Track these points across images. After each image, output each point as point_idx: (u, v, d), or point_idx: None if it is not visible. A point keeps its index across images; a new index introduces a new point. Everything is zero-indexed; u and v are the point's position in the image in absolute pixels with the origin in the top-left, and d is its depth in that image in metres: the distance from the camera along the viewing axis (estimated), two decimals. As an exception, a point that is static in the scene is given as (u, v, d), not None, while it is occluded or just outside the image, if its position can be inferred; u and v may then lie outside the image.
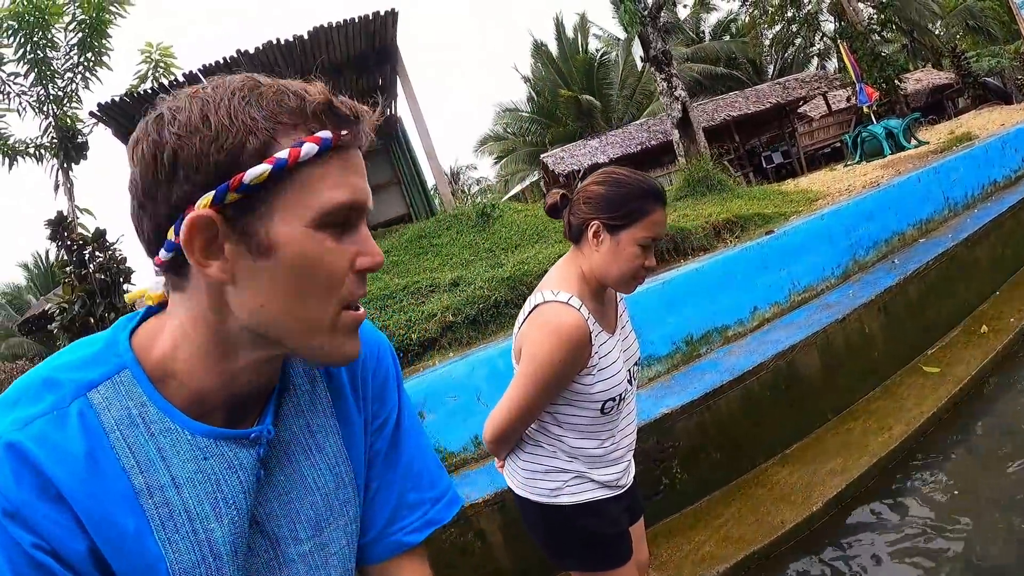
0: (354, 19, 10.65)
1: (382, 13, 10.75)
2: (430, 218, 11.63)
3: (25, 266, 31.68)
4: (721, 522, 3.36)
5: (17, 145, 11.23)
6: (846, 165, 12.25)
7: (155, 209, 0.74)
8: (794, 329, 4.56)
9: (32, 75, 10.74)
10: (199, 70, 10.64)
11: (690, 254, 7.13)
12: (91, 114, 10.84)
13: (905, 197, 6.18)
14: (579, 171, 20.73)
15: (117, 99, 10.44)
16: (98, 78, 11.61)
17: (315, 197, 0.74)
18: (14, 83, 10.84)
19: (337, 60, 11.57)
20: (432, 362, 5.80)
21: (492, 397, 4.23)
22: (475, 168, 39.95)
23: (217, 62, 10.57)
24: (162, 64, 12.04)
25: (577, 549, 1.93)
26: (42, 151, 11.34)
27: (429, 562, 1.06)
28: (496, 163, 33.27)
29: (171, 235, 0.73)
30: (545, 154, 23.01)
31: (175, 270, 0.76)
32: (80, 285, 8.91)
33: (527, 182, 30.01)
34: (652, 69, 11.23)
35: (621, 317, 1.97)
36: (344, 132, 0.76)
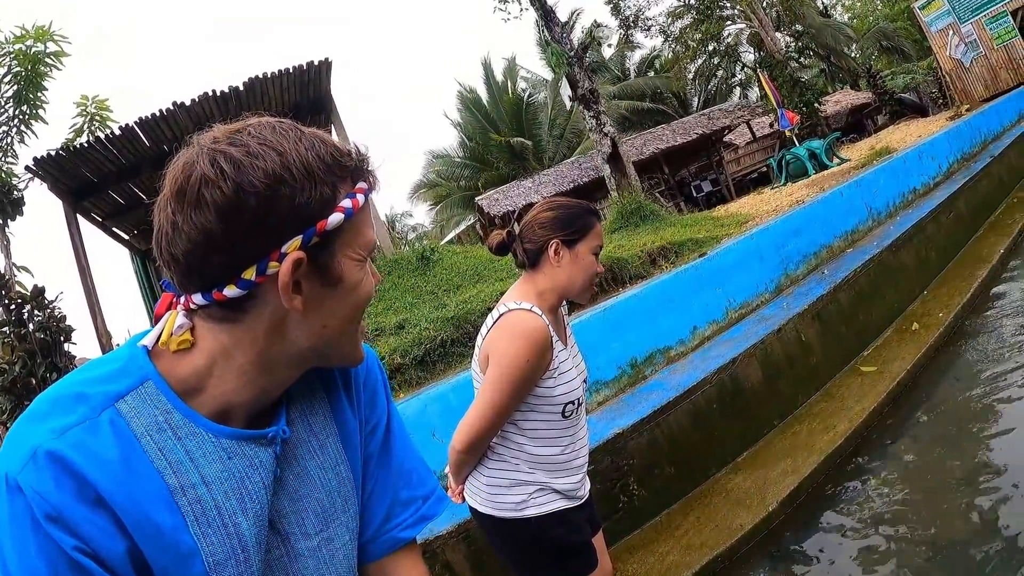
0: (288, 69, 10.68)
1: (316, 63, 10.82)
2: (372, 264, 11.60)
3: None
4: (682, 532, 3.43)
5: None
6: (773, 187, 12.76)
7: (234, 250, 0.78)
8: (733, 344, 4.72)
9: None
10: (135, 123, 10.48)
11: (628, 282, 7.30)
12: (27, 168, 10.52)
13: (830, 211, 6.50)
14: (514, 211, 20.99)
15: (53, 153, 10.17)
16: (34, 132, 11.31)
17: (363, 236, 0.87)
18: (-56, 136, 10.50)
19: (272, 110, 11.49)
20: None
21: (446, 432, 4.24)
22: (411, 215, 40.18)
23: (153, 114, 10.43)
24: (98, 117, 11.80)
25: (547, 562, 1.98)
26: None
27: (421, 556, 1.14)
28: (431, 209, 33.43)
29: (249, 274, 0.79)
30: (480, 197, 23.23)
31: (232, 306, 0.81)
32: (20, 345, 8.57)
33: (463, 226, 30.19)
34: (581, 107, 11.55)
35: (570, 337, 2.12)
36: (372, 180, 0.89)
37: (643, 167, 21.41)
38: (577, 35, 23.36)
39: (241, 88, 10.41)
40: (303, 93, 11.40)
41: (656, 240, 8.38)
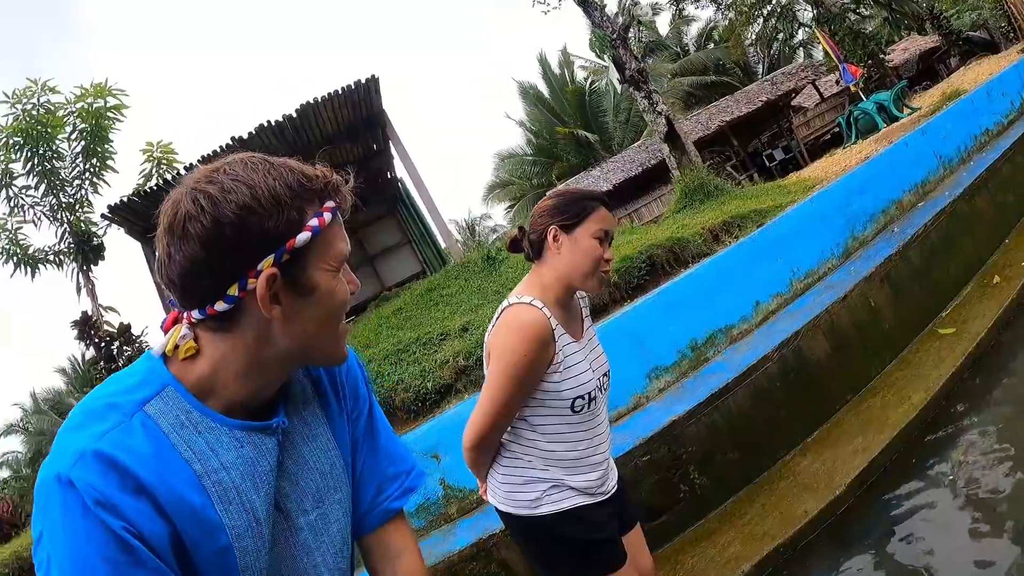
0: (338, 91, 10.84)
1: (364, 81, 10.92)
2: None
3: (63, 371, 32.28)
4: (746, 521, 3.24)
5: (37, 254, 11.53)
6: (844, 147, 12.12)
7: (217, 272, 0.93)
8: (801, 316, 4.44)
9: (43, 186, 11.08)
10: (198, 161, 10.89)
11: (690, 262, 7.05)
12: (103, 216, 11.15)
13: (896, 164, 6.06)
14: None
15: (126, 199, 10.72)
16: (105, 181, 11.94)
17: (334, 249, 1.00)
18: (26, 195, 11.18)
19: (329, 132, 11.79)
20: (449, 406, 5.76)
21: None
22: (489, 217, 40.18)
23: (215, 151, 10.84)
24: (164, 161, 12.37)
25: (567, 559, 1.95)
26: (61, 257, 11.63)
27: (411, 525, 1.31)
28: (509, 209, 33.44)
29: (233, 291, 0.93)
30: (551, 192, 23.12)
31: (223, 318, 0.95)
32: None
33: None
34: (631, 89, 11.26)
35: (588, 331, 2.05)
36: (340, 199, 1.02)
37: (711, 142, 20.84)
38: (621, 16, 22.89)
39: (295, 115, 10.66)
40: (356, 112, 11.55)
41: (719, 216, 8.07)
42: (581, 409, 1.91)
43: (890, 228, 5.50)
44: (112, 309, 11.10)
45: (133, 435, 0.90)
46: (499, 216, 37.97)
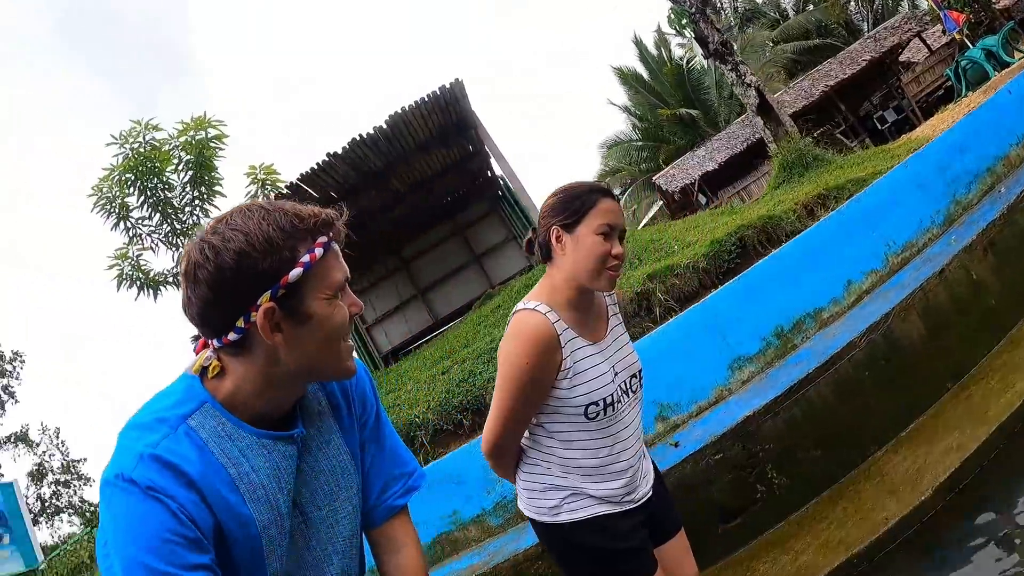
0: (424, 98, 10.96)
1: (448, 85, 10.98)
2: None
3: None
4: (824, 526, 2.98)
5: (157, 277, 12.32)
6: (956, 102, 11.13)
7: (225, 309, 1.12)
8: (895, 294, 4.04)
9: (156, 216, 11.86)
10: (298, 179, 11.35)
11: (783, 240, 6.65)
12: None
13: (999, 116, 5.42)
14: (692, 183, 20.15)
15: None
16: (215, 206, 12.62)
17: (328, 279, 1.17)
18: (143, 225, 12.00)
19: (422, 139, 11.97)
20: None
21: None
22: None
23: (313, 168, 11.26)
24: (268, 182, 12.93)
25: (587, 568, 1.91)
26: (179, 279, 12.35)
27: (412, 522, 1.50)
28: (620, 196, 33.02)
29: (240, 323, 1.13)
30: (656, 176, 22.58)
31: (237, 345, 1.15)
32: None
33: (655, 207, 29.44)
34: (717, 63, 10.78)
35: (613, 329, 1.98)
36: (332, 234, 1.18)
37: (816, 109, 19.75)
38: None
39: (385, 126, 10.88)
40: (445, 116, 11.64)
41: (814, 189, 7.58)
42: (596, 416, 1.84)
43: (997, 189, 4.96)
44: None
45: (180, 443, 1.11)
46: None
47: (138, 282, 12.06)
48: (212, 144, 11.36)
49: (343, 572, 1.36)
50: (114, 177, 10.93)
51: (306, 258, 1.13)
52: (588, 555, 1.88)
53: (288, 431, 1.24)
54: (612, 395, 1.84)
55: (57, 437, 27.81)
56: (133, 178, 11.07)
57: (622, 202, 32.38)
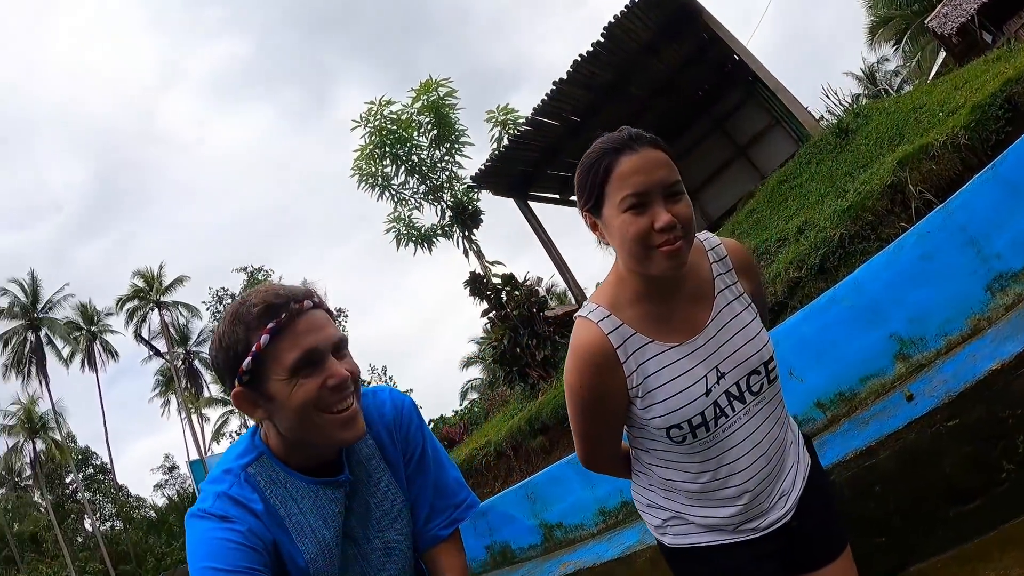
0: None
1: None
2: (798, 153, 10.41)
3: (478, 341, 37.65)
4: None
5: (427, 232, 13.51)
6: None
7: (226, 392, 1.37)
8: None
9: (412, 179, 12.93)
10: (533, 112, 11.46)
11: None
12: (469, 186, 12.57)
13: None
14: (970, 18, 16.46)
15: (483, 166, 11.94)
16: (466, 155, 13.40)
17: (280, 362, 1.27)
18: (404, 190, 13.16)
19: (646, 40, 11.30)
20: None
21: (804, 370, 3.68)
22: (886, 60, 34.36)
23: (544, 99, 11.27)
24: (509, 122, 13.34)
25: None
26: (445, 229, 13.44)
27: (462, 549, 1.61)
28: (895, 46, 28.45)
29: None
30: (928, 17, 18.81)
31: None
32: (502, 324, 10.33)
33: (941, 56, 24.85)
34: None
35: (721, 313, 1.54)
36: (283, 316, 1.27)
37: None
38: None
39: (602, 38, 10.43)
40: (662, 10, 10.76)
41: None
42: (684, 440, 1.50)
43: None
44: (499, 263, 12.46)
45: (244, 488, 1.36)
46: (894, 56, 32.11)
47: (413, 239, 13.33)
48: (445, 101, 12.02)
49: None
50: (366, 153, 12.07)
51: (254, 347, 1.26)
52: None
53: (334, 477, 1.42)
54: (705, 413, 1.48)
55: (385, 374, 32.12)
56: (385, 150, 12.13)
57: (902, 54, 27.76)
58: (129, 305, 38.67)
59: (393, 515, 1.51)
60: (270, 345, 1.26)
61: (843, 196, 6.32)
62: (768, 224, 8.09)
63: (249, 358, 1.26)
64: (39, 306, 38.50)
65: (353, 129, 12.55)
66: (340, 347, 1.35)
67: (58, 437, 39.68)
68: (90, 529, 41.84)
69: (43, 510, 40.58)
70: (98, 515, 41.39)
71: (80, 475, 43.32)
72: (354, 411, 1.33)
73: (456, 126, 12.69)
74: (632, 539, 4.33)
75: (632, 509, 4.84)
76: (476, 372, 35.36)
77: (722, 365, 1.50)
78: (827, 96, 11.79)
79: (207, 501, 1.35)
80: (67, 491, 44.93)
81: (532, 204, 13.10)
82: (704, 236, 1.60)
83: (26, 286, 38.66)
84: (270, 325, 1.26)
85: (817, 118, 11.21)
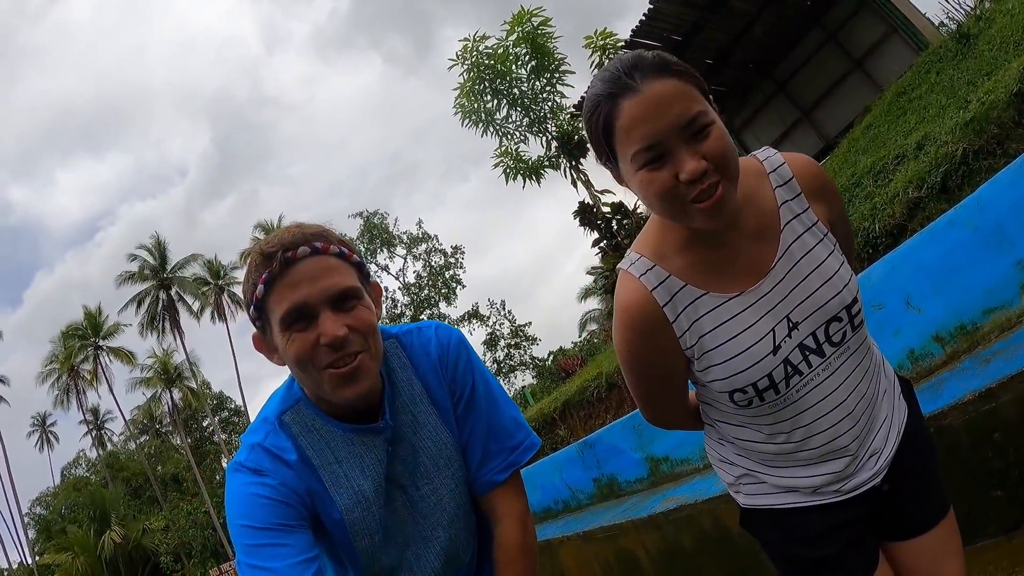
0: None
1: None
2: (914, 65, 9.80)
3: (592, 272, 37.79)
4: None
5: (534, 164, 13.58)
6: None
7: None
8: None
9: (516, 111, 12.94)
10: (631, 33, 11.29)
11: None
12: (572, 115, 12.53)
13: None
14: None
15: (585, 94, 11.79)
16: (567, 83, 13.26)
17: (275, 314, 1.24)
18: (508, 123, 13.21)
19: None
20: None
21: (922, 299, 3.61)
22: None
23: (642, 20, 11.07)
24: (608, 46, 13.13)
25: (775, 559, 1.48)
26: (552, 160, 13.47)
27: (521, 493, 1.50)
28: None
29: None
30: None
31: None
32: (613, 254, 10.41)
33: None
34: None
35: (790, 249, 1.28)
36: (273, 265, 1.22)
37: None
38: None
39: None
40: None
41: None
42: (749, 404, 1.30)
43: None
44: (607, 191, 12.43)
45: (279, 437, 1.34)
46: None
47: (522, 173, 13.43)
48: (540, 31, 11.90)
49: (451, 544, 1.48)
50: (467, 90, 12.15)
51: (253, 297, 1.26)
52: (769, 550, 1.48)
53: (373, 423, 1.36)
54: (773, 374, 1.26)
55: (504, 308, 32.56)
56: (484, 86, 12.17)
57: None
58: (253, 256, 40.62)
59: (443, 460, 1.44)
60: (265, 295, 1.24)
61: (965, 107, 6.04)
62: (886, 140, 7.79)
63: (252, 307, 1.27)
64: (168, 267, 41.14)
65: (451, 68, 12.71)
66: (343, 299, 1.25)
67: (193, 385, 42.79)
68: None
69: (182, 452, 44.07)
70: (234, 454, 44.50)
71: (215, 418, 46.71)
72: (353, 369, 1.25)
73: (554, 55, 12.59)
74: None
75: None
76: (594, 303, 35.26)
77: (794, 314, 1.26)
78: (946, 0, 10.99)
79: (243, 453, 1.34)
80: (204, 434, 48.67)
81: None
82: (765, 154, 1.34)
83: (153, 250, 41.36)
84: (264, 275, 1.23)
85: (936, 24, 10.47)
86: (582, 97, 11.77)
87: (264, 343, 1.33)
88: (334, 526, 1.36)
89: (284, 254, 1.22)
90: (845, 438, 1.32)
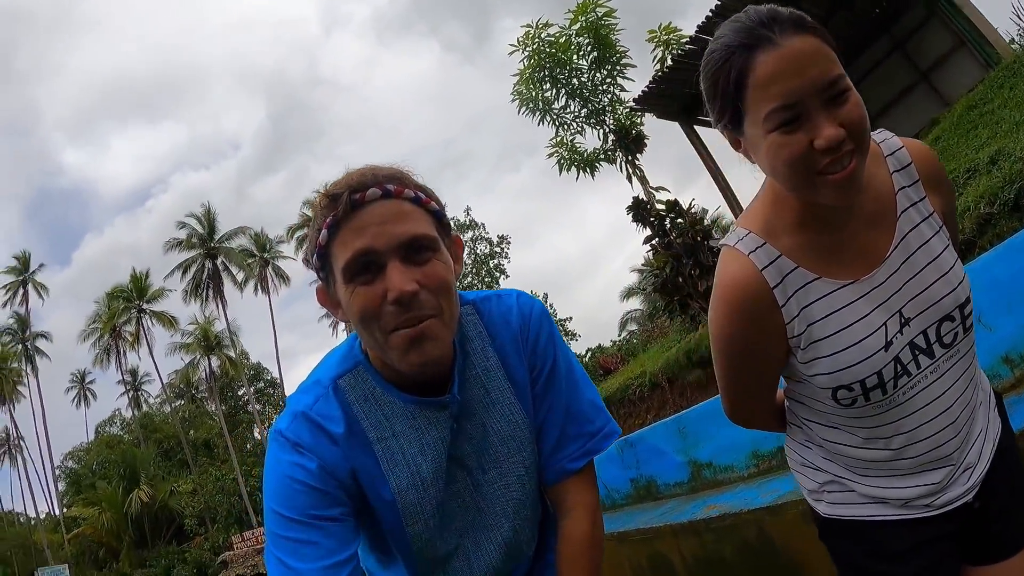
0: None
1: None
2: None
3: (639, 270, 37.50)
4: None
5: (589, 156, 13.40)
6: None
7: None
8: None
9: (573, 102, 12.79)
10: (696, 30, 11.09)
11: None
12: (631, 109, 12.32)
13: None
14: None
15: (646, 88, 11.66)
16: (627, 77, 13.08)
17: (339, 261, 1.10)
18: (564, 114, 13.05)
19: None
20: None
21: (993, 318, 3.45)
22: None
23: (708, 15, 10.87)
24: (672, 41, 12.92)
25: (845, 572, 1.39)
26: (608, 153, 13.27)
27: (594, 484, 1.36)
28: None
29: None
30: None
31: None
32: (665, 252, 10.24)
33: None
34: None
35: (907, 238, 1.18)
36: (339, 208, 1.08)
37: None
38: None
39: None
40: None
41: None
42: (854, 403, 1.19)
43: None
44: (662, 188, 12.25)
45: (330, 404, 1.19)
46: None
47: (576, 164, 13.29)
48: (604, 21, 11.72)
49: (515, 536, 1.32)
50: (526, 78, 12.03)
51: (316, 244, 1.13)
52: (841, 562, 1.37)
53: (440, 396, 1.21)
54: (883, 371, 1.16)
55: (546, 300, 32.64)
56: (544, 74, 12.03)
57: None
58: (299, 233, 41.26)
59: (515, 443, 1.29)
60: (329, 241, 1.10)
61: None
62: (956, 153, 7.54)
63: (315, 255, 1.13)
64: (216, 236, 41.87)
65: (511, 53, 12.59)
66: (415, 249, 1.10)
67: (232, 354, 43.55)
68: (258, 437, 46.03)
69: (216, 419, 44.94)
70: (266, 425, 45.38)
71: (251, 388, 47.54)
72: (422, 331, 1.09)
73: (616, 47, 12.41)
74: (785, 487, 4.21)
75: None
76: (636, 303, 35.47)
77: (907, 308, 1.17)
78: (1019, 16, 10.56)
79: (285, 419, 1.21)
80: (239, 403, 49.57)
81: (698, 129, 12.66)
82: (881, 136, 1.23)
83: (202, 219, 42.12)
84: (328, 219, 1.09)
85: (1008, 40, 10.08)
86: (643, 90, 11.83)
87: (327, 297, 1.19)
88: (384, 507, 1.21)
89: (351, 195, 1.07)
90: (947, 447, 1.22)
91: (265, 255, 43.85)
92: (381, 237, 1.07)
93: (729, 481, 5.12)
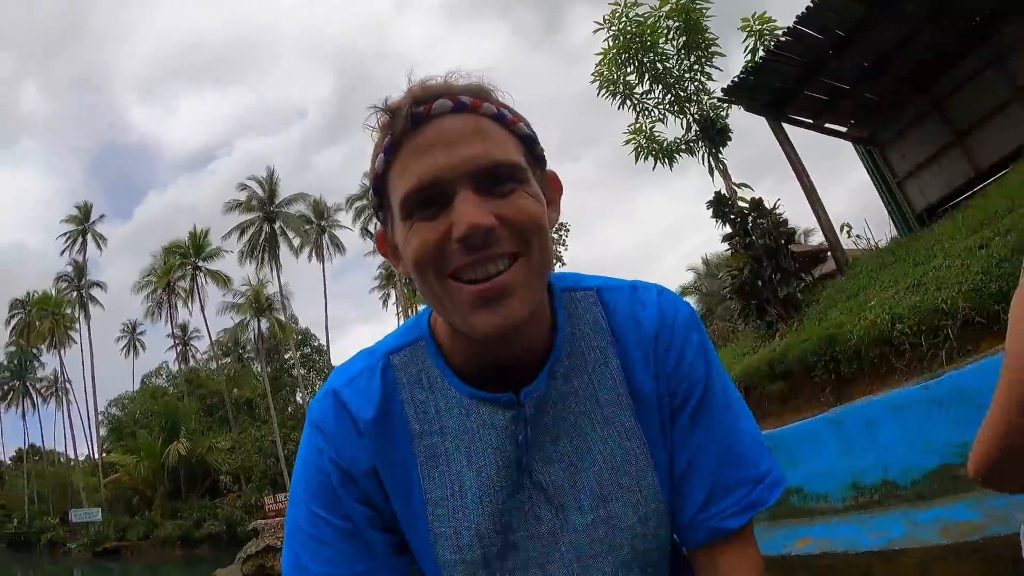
0: None
1: None
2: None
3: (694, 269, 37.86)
4: None
5: (670, 146, 12.80)
6: None
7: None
8: None
9: (658, 88, 12.19)
10: (795, 21, 10.37)
11: None
12: (719, 100, 11.71)
13: None
14: None
15: (737, 79, 11.03)
16: (715, 66, 12.46)
17: (397, 192, 0.83)
18: (647, 99, 12.47)
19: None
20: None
21: None
22: None
23: (809, 6, 10.19)
24: (766, 32, 12.29)
25: None
26: (690, 144, 12.62)
27: (755, 544, 0.98)
28: None
29: None
30: None
31: None
32: (745, 253, 9.66)
33: None
34: None
35: None
36: (399, 126, 0.81)
37: None
38: None
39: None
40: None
41: None
42: None
43: None
44: (745, 186, 11.61)
45: (373, 382, 0.95)
46: None
47: (654, 152, 12.69)
48: (696, 5, 11.10)
49: None
50: (609, 59, 11.47)
51: (374, 173, 0.87)
52: None
53: (505, 393, 0.92)
54: None
55: (598, 295, 32.99)
56: (627, 56, 11.46)
57: None
58: (358, 204, 41.69)
59: (629, 478, 0.94)
60: (386, 170, 0.85)
61: None
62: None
63: (372, 190, 0.89)
64: (275, 201, 42.48)
65: (596, 31, 12.00)
66: (494, 177, 0.82)
67: (282, 318, 44.40)
68: (300, 402, 46.83)
69: (260, 380, 45.78)
70: (310, 390, 46.07)
71: (298, 353, 48.30)
72: (498, 286, 0.80)
73: (707, 34, 11.75)
74: (896, 531, 3.66)
75: (894, 491, 4.14)
76: (691, 302, 36.16)
77: None
78: None
79: (320, 394, 0.99)
80: (284, 366, 50.44)
81: (785, 127, 11.93)
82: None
83: (264, 183, 42.72)
84: (386, 140, 0.83)
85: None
86: (732, 80, 11.09)
87: (386, 242, 0.92)
88: (411, 516, 0.94)
89: (413, 108, 0.81)
90: None
91: (323, 223, 44.32)
92: (451, 159, 0.80)
93: (820, 512, 4.68)
